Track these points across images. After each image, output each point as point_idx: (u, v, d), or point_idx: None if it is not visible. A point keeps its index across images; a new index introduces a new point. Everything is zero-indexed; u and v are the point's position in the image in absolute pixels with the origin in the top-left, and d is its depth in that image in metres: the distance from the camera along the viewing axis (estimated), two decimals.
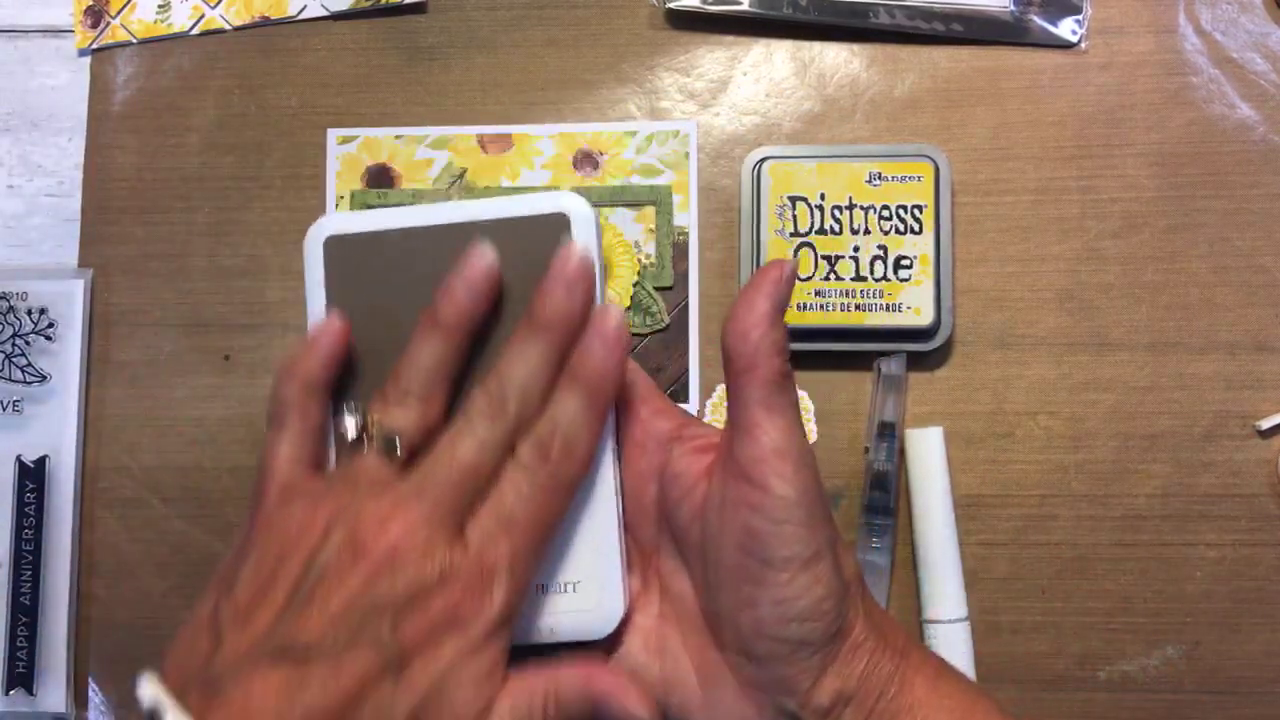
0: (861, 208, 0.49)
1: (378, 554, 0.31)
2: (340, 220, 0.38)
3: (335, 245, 0.37)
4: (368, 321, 0.37)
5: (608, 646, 0.36)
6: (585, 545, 0.36)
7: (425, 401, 0.34)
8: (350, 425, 0.34)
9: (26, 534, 0.51)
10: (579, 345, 0.35)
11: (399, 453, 0.34)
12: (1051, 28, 0.51)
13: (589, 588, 0.36)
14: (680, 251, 0.51)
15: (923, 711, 0.34)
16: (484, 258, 0.35)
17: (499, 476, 0.34)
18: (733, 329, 0.34)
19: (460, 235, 0.36)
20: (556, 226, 0.36)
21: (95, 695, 0.52)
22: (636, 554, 0.38)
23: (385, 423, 0.34)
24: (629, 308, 0.51)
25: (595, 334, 0.35)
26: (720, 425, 0.50)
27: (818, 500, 0.33)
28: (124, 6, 0.55)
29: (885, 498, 0.48)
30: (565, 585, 0.36)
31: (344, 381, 0.37)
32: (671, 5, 0.52)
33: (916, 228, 0.49)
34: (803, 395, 0.50)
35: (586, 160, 0.52)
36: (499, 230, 0.36)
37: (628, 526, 0.38)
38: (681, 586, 0.36)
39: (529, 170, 0.52)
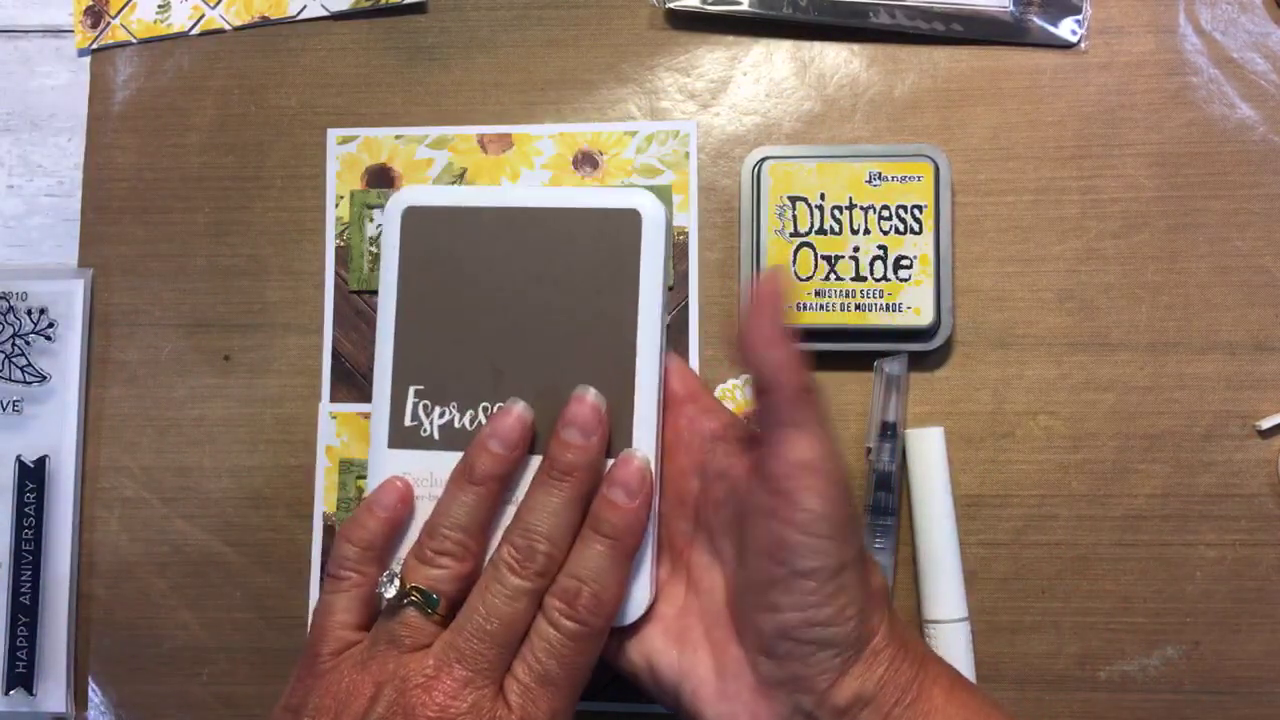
0: (861, 208, 0.49)
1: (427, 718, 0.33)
2: (421, 193, 0.39)
3: (413, 217, 0.39)
4: (434, 293, 0.38)
5: (630, 632, 0.37)
6: None
7: (460, 559, 0.36)
8: (392, 590, 0.36)
9: (26, 534, 0.51)
10: (601, 494, 0.36)
11: (438, 610, 0.35)
12: (1051, 28, 0.51)
13: None
14: (680, 251, 0.52)
15: (938, 718, 0.34)
16: (516, 414, 0.37)
17: (532, 628, 0.35)
18: (749, 355, 0.35)
19: (534, 220, 0.38)
20: (629, 222, 0.37)
21: (95, 695, 0.52)
22: (669, 545, 0.39)
23: (424, 584, 0.36)
24: None
25: (618, 483, 0.36)
26: None
27: (846, 514, 0.34)
28: (124, 6, 0.55)
29: (889, 498, 0.48)
30: None
31: (406, 359, 0.38)
32: (671, 5, 0.52)
33: (916, 228, 0.49)
34: None
35: (586, 160, 0.52)
36: (571, 220, 0.38)
37: (665, 518, 0.39)
38: (712, 582, 0.37)
39: (529, 170, 0.52)
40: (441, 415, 0.39)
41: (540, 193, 0.39)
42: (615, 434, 0.37)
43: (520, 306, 0.38)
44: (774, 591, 0.34)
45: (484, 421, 0.38)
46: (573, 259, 0.37)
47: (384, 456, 0.39)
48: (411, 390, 0.39)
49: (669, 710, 0.37)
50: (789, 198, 0.49)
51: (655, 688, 0.37)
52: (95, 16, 0.55)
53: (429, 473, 0.39)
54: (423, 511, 0.38)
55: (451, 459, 0.38)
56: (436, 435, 0.39)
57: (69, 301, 0.53)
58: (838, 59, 0.52)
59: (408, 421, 0.39)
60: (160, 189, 0.54)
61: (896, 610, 0.36)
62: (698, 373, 0.51)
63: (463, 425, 0.39)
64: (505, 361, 0.38)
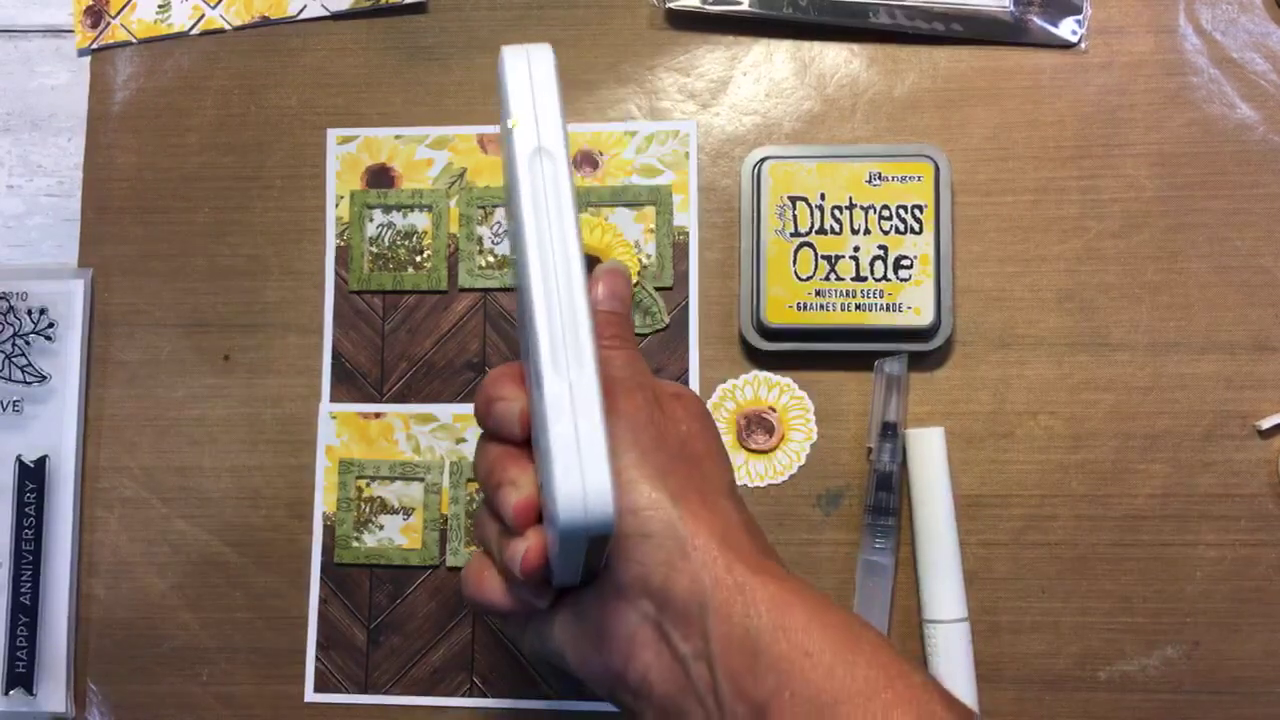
0: (861, 208, 0.49)
1: None
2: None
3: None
4: None
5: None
6: None
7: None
8: None
9: (26, 534, 0.51)
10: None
11: None
12: (1051, 28, 0.51)
13: None
14: (680, 251, 0.51)
15: (800, 635, 0.33)
16: None
17: None
18: None
19: None
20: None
21: (95, 695, 0.52)
22: None
23: None
24: None
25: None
26: (722, 425, 0.50)
27: (646, 416, 0.36)
28: (124, 6, 0.55)
29: (891, 498, 0.48)
30: None
31: None
32: (671, 5, 0.52)
33: (916, 228, 0.49)
34: (803, 395, 0.50)
35: (586, 160, 0.52)
36: None
37: None
38: None
39: None
40: None
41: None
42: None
43: None
44: None
45: None
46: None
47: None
48: None
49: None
50: (789, 198, 0.49)
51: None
52: (95, 16, 0.55)
53: None
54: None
55: None
56: None
57: (69, 301, 0.53)
58: (838, 59, 0.52)
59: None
60: (160, 189, 0.54)
61: (764, 541, 0.36)
62: (697, 373, 0.51)
63: None
64: None
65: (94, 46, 0.55)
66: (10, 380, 0.52)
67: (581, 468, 0.29)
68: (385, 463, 0.51)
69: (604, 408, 0.30)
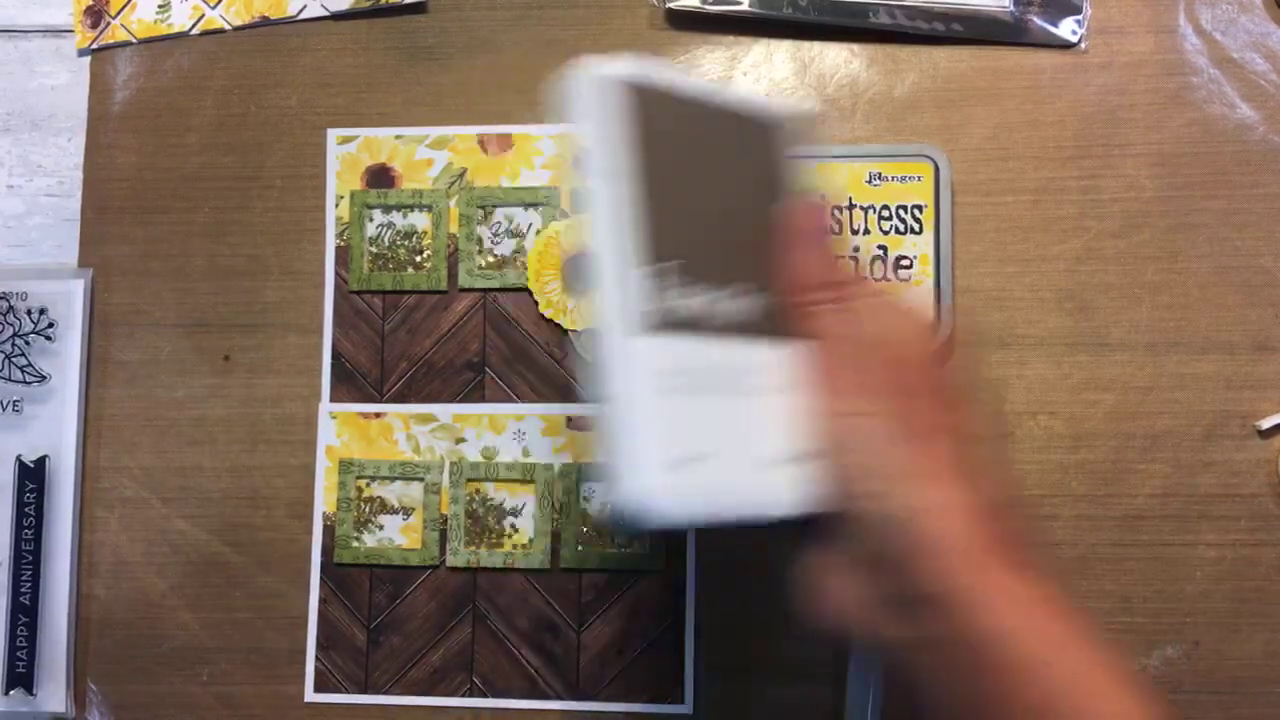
0: (861, 208, 0.49)
1: None
2: (624, 67, 0.35)
3: (628, 93, 0.35)
4: (650, 172, 0.35)
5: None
6: None
7: None
8: None
9: (26, 534, 0.51)
10: None
11: None
12: (1051, 28, 0.51)
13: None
14: None
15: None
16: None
17: None
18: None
19: (728, 112, 0.38)
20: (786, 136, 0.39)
21: (95, 695, 0.52)
22: None
23: None
24: None
25: None
26: None
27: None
28: (124, 7, 0.55)
29: None
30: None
31: (645, 241, 0.35)
32: (671, 5, 0.52)
33: (916, 228, 0.49)
34: None
35: None
36: (756, 119, 0.39)
37: None
38: None
39: (529, 170, 0.52)
40: (687, 296, 0.35)
41: (739, 97, 0.39)
42: None
43: (722, 190, 0.37)
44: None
45: (726, 301, 0.36)
46: (760, 153, 0.38)
47: (623, 346, 0.34)
48: (652, 272, 0.34)
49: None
50: None
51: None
52: (95, 16, 0.55)
53: (687, 352, 0.35)
54: (672, 397, 0.34)
55: (697, 340, 0.35)
56: (684, 316, 0.35)
57: (69, 301, 0.53)
58: (838, 59, 0.52)
59: (652, 305, 0.34)
60: (160, 189, 0.54)
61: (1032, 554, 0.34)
62: None
63: (703, 306, 0.35)
64: (733, 243, 0.37)
65: (94, 46, 0.55)
66: (10, 380, 0.52)
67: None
68: (385, 463, 0.51)
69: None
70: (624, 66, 0.36)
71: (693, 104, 0.37)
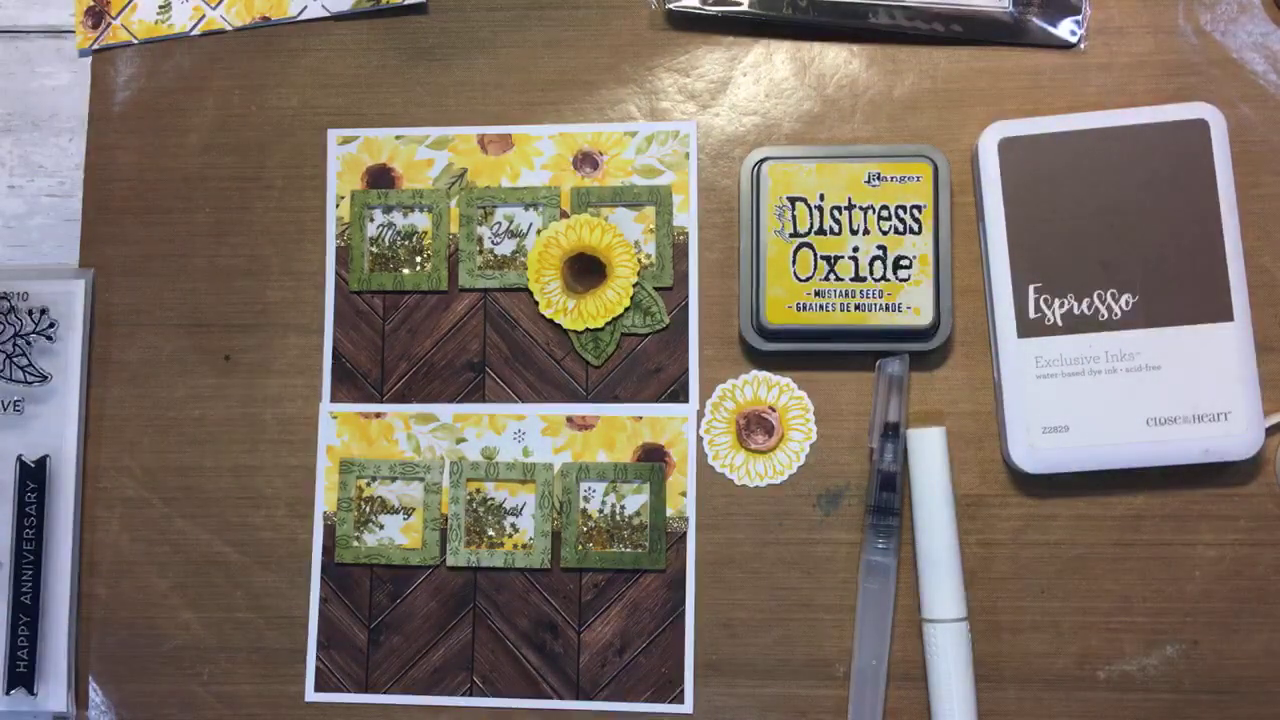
0: (861, 208, 0.49)
1: None
2: (1009, 125, 0.49)
3: (1007, 146, 0.48)
4: (1037, 206, 0.48)
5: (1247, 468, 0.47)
6: (1234, 381, 0.47)
7: None
8: None
9: (27, 534, 0.51)
10: None
11: None
12: (1051, 28, 0.51)
13: (1237, 418, 0.47)
14: (680, 251, 0.52)
15: None
16: None
17: None
18: None
19: (1107, 140, 0.48)
20: (1198, 131, 0.48)
21: (95, 695, 0.52)
22: None
23: None
24: (628, 308, 0.51)
25: None
26: (722, 425, 0.50)
27: None
28: (125, 7, 0.55)
29: (893, 498, 0.48)
30: (1219, 415, 0.47)
31: (1023, 263, 0.48)
32: (671, 5, 0.52)
33: (916, 228, 0.49)
34: (803, 395, 0.50)
35: (586, 160, 0.52)
36: (1144, 133, 0.48)
37: None
38: None
39: (529, 170, 0.52)
40: (1061, 305, 0.47)
41: (1108, 114, 0.49)
42: (1212, 303, 0.47)
43: (1112, 208, 0.48)
44: None
45: (1100, 308, 0.47)
46: (1151, 163, 0.48)
47: (1014, 346, 0.48)
48: (1031, 288, 0.47)
49: None
50: (788, 198, 0.49)
51: None
52: (96, 17, 0.55)
53: (1058, 353, 0.47)
54: (1046, 387, 0.47)
55: (1072, 341, 0.47)
56: (1059, 322, 0.47)
57: (70, 301, 0.53)
58: (837, 59, 0.52)
59: (1031, 314, 0.48)
60: (161, 189, 0.54)
61: None
62: (697, 373, 0.51)
63: (1080, 312, 0.47)
64: (1109, 255, 0.48)
65: (95, 47, 0.55)
66: (11, 380, 0.52)
67: None
68: (385, 462, 0.51)
69: None
70: (1013, 126, 0.48)
71: (1082, 138, 0.48)
